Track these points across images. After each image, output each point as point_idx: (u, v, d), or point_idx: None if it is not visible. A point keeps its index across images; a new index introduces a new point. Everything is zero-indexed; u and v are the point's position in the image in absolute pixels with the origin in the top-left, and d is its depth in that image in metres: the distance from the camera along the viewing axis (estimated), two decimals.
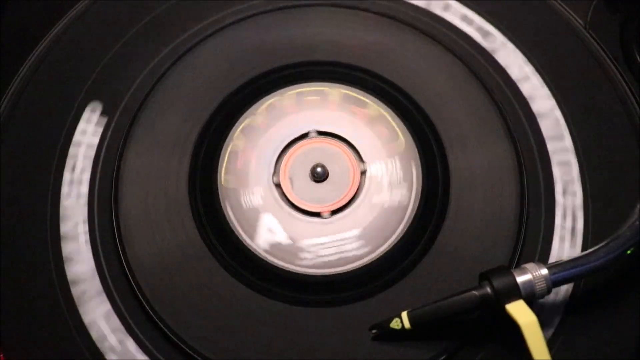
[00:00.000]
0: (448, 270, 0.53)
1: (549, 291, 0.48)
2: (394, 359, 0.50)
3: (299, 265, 0.54)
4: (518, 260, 0.53)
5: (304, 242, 0.55)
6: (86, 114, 0.58)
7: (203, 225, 0.55)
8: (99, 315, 0.53)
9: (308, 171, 0.57)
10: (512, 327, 0.47)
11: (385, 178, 0.56)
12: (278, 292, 0.53)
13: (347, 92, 0.59)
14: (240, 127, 0.58)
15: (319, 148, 0.58)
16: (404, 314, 0.49)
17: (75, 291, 0.53)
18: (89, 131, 0.58)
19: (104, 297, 0.53)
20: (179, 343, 0.51)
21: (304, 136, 0.58)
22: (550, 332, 0.52)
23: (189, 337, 0.51)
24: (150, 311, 0.52)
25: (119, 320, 0.52)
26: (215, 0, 0.63)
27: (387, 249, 0.54)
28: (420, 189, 0.56)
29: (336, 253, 0.54)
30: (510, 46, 0.61)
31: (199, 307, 0.52)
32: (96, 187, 0.56)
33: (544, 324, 0.50)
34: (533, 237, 0.55)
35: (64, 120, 0.58)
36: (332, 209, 0.56)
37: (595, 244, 0.50)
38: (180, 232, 0.54)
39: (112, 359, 0.51)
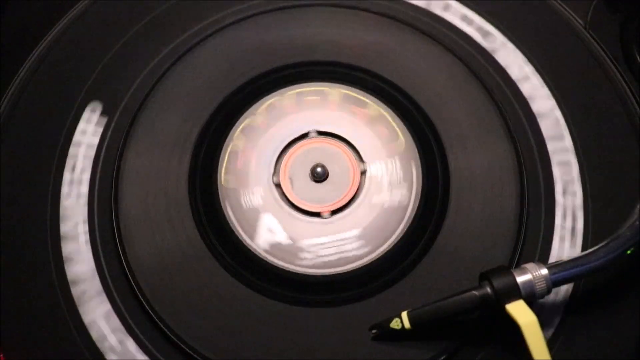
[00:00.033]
0: (448, 270, 0.53)
1: (549, 291, 0.48)
2: (394, 359, 0.50)
3: (299, 265, 0.54)
4: (518, 260, 0.53)
5: (304, 242, 0.55)
6: (86, 114, 0.58)
7: (203, 225, 0.55)
8: (99, 315, 0.53)
9: (308, 171, 0.57)
10: (512, 327, 0.47)
11: (385, 178, 0.56)
12: (278, 292, 0.53)
13: (347, 92, 0.59)
14: (240, 127, 0.58)
15: (319, 148, 0.58)
16: (404, 314, 0.49)
17: (75, 291, 0.53)
18: (89, 131, 0.58)
19: (104, 297, 0.53)
20: (179, 343, 0.51)
21: (304, 136, 0.58)
22: (550, 332, 0.52)
23: (189, 337, 0.51)
24: (150, 311, 0.52)
25: (119, 320, 0.52)
26: (215, 0, 0.62)
27: (387, 249, 0.54)
28: (420, 189, 0.56)
29: (336, 253, 0.54)
30: (510, 46, 0.61)
31: (199, 307, 0.52)
32: (96, 187, 0.56)
33: (544, 324, 0.50)
34: (533, 237, 0.54)
35: (64, 120, 0.58)
36: (332, 209, 0.56)
37: (595, 244, 0.50)
38: (180, 232, 0.54)
39: (112, 359, 0.51)
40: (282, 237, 0.55)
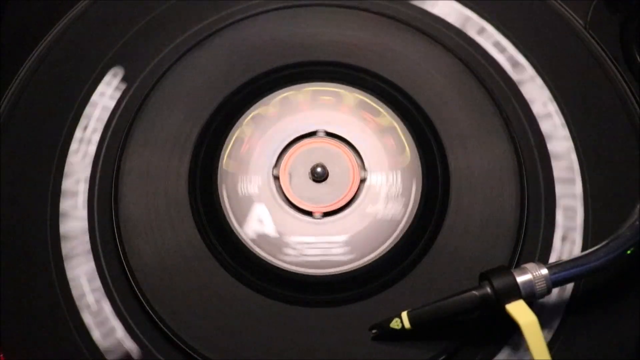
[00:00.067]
0: (448, 270, 0.53)
1: (549, 291, 0.48)
2: (394, 359, 0.50)
3: (282, 260, 0.54)
4: (518, 260, 0.53)
5: (291, 239, 0.55)
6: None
7: (203, 225, 0.55)
8: None
9: (308, 169, 0.57)
10: (512, 327, 0.47)
11: (383, 190, 0.56)
12: (278, 292, 0.53)
13: (362, 98, 0.59)
14: (252, 115, 0.58)
15: (324, 148, 0.58)
16: (404, 314, 0.49)
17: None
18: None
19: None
20: (179, 343, 0.51)
21: (311, 134, 0.58)
22: (551, 332, 0.52)
23: (189, 337, 0.51)
24: (150, 311, 0.52)
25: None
26: (215, 0, 0.63)
27: (372, 260, 0.54)
28: (416, 207, 0.55)
29: (320, 255, 0.54)
30: (539, 81, 0.59)
31: (199, 307, 0.52)
32: (96, 187, 0.56)
33: (544, 324, 0.50)
34: (533, 237, 0.54)
35: (64, 121, 0.58)
36: (324, 211, 0.56)
37: (595, 244, 0.50)
38: (180, 232, 0.54)
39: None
40: (270, 230, 0.55)
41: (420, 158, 0.56)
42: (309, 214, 0.56)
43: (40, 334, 0.52)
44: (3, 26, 0.62)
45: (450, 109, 0.58)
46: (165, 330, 0.51)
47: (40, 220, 0.55)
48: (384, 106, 0.58)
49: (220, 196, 0.55)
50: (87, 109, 0.59)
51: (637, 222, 0.49)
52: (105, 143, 0.58)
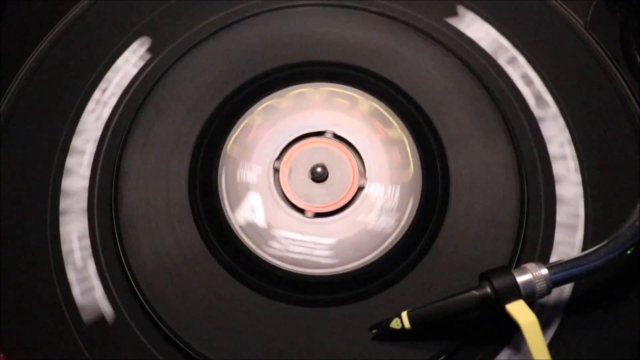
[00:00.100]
0: (448, 270, 0.53)
1: (549, 291, 0.48)
2: (394, 359, 0.50)
3: (266, 253, 0.54)
4: (518, 260, 0.53)
5: (278, 232, 0.55)
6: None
7: (203, 225, 0.55)
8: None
9: (309, 168, 0.57)
10: (512, 327, 0.47)
11: (379, 201, 0.56)
12: (278, 292, 0.53)
13: (377, 107, 0.58)
14: (263, 105, 0.58)
15: (329, 150, 0.58)
16: (404, 314, 0.49)
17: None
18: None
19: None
20: (179, 343, 0.51)
21: (319, 134, 0.58)
22: (551, 332, 0.52)
23: (189, 337, 0.51)
24: (150, 311, 0.52)
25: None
26: (215, 0, 0.63)
27: (354, 269, 0.53)
28: (408, 224, 0.55)
29: (304, 254, 0.54)
30: (561, 122, 0.59)
31: (199, 307, 0.52)
32: (96, 187, 0.56)
33: (544, 325, 0.50)
34: (533, 237, 0.54)
35: (64, 121, 0.58)
36: (317, 211, 0.56)
37: (595, 244, 0.50)
38: (180, 232, 0.54)
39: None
40: (260, 220, 0.55)
41: (423, 178, 0.56)
42: (301, 211, 0.56)
43: (40, 334, 0.52)
44: (3, 26, 0.62)
45: (451, 109, 0.58)
46: (166, 330, 0.51)
47: (41, 220, 0.55)
48: (397, 119, 0.58)
49: (218, 178, 0.56)
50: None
51: (637, 222, 0.49)
52: (106, 143, 0.58)
